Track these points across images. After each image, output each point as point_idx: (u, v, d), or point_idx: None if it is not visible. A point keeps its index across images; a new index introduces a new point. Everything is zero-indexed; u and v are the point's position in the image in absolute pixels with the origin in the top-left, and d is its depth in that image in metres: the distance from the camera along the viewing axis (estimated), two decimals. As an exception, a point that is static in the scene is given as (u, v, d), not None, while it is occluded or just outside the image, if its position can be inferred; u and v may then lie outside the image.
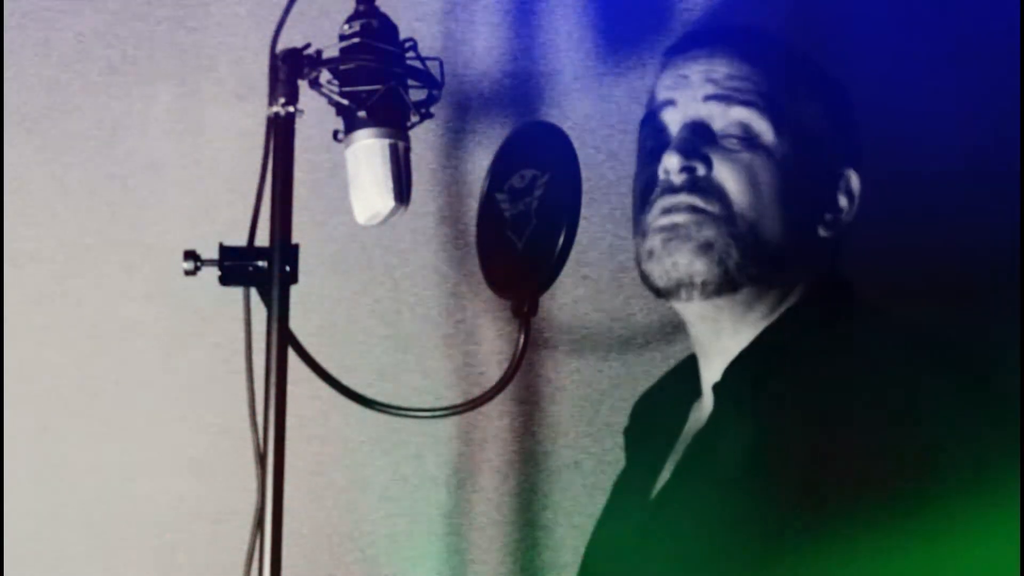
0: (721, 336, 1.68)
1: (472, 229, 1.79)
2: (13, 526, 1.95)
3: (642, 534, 1.64)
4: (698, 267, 1.62)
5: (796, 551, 1.48)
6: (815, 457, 1.49)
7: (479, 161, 1.99)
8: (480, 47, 2.02)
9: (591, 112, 2.00)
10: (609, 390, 2.00)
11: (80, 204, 1.99)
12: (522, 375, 1.99)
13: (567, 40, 2.03)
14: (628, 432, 1.87)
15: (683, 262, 1.62)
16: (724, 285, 1.62)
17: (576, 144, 1.65)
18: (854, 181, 1.69)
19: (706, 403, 1.69)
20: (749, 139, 1.64)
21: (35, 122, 1.99)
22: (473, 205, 1.83)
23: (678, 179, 1.64)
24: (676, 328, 1.84)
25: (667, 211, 1.64)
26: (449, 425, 2.00)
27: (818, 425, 1.51)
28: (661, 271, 1.64)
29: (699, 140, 1.64)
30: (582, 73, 2.02)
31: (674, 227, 1.63)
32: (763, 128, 1.64)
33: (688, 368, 1.76)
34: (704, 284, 1.62)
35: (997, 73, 2.01)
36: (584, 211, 1.65)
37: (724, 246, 1.61)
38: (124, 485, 1.97)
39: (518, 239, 1.66)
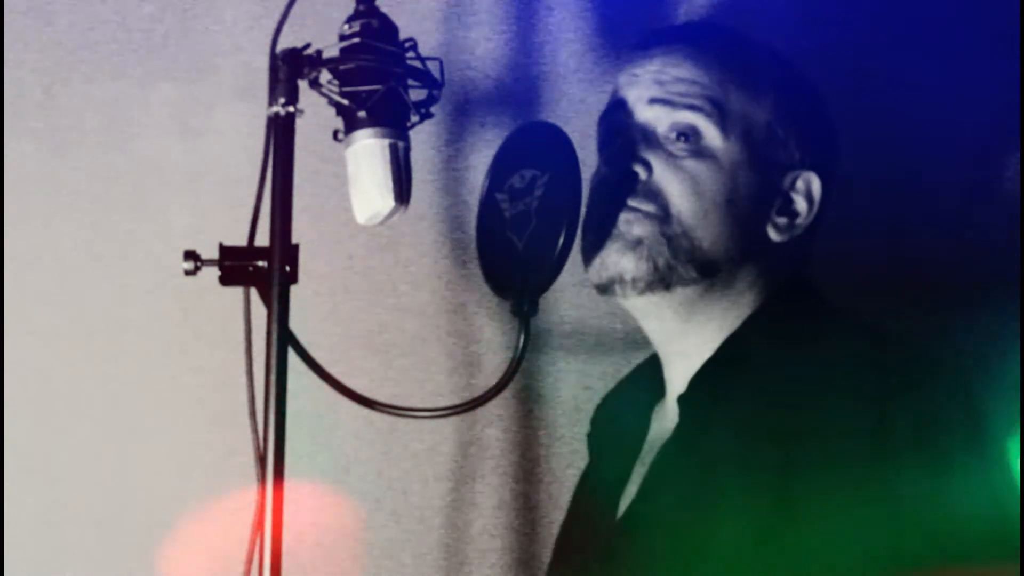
0: (672, 338, 1.69)
1: (472, 229, 1.79)
2: (13, 526, 1.95)
3: (611, 554, 1.63)
4: (626, 264, 1.64)
5: (769, 563, 1.48)
6: (785, 471, 1.49)
7: (479, 161, 1.99)
8: (480, 47, 2.02)
9: (591, 112, 2.00)
10: (608, 390, 2.00)
11: (80, 204, 1.99)
12: (522, 375, 1.99)
13: (567, 40, 2.03)
14: (591, 437, 1.86)
15: (611, 260, 1.65)
16: (655, 282, 1.63)
17: (576, 144, 1.65)
18: (815, 185, 1.67)
19: (670, 411, 1.68)
20: (696, 140, 1.64)
21: (35, 122, 1.99)
22: (473, 205, 1.83)
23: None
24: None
25: (601, 223, 1.66)
26: (449, 425, 2.00)
27: (788, 437, 1.50)
28: (594, 270, 1.67)
29: (640, 144, 1.66)
30: (582, 73, 2.02)
31: (603, 226, 1.65)
32: (710, 132, 1.64)
33: (648, 369, 1.76)
34: (634, 280, 1.64)
35: (991, 73, 2.00)
36: (584, 211, 1.65)
37: (655, 244, 1.63)
38: (124, 485, 1.97)
39: (518, 239, 1.65)
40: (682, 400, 1.65)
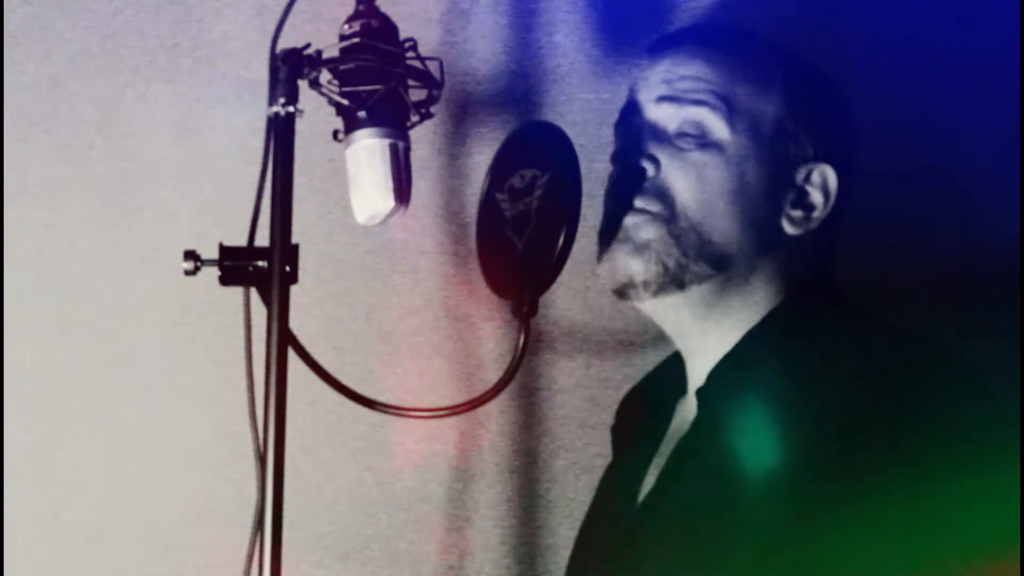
0: (690, 336, 1.69)
1: (472, 229, 1.79)
2: (13, 526, 1.96)
3: (628, 542, 1.64)
4: (635, 268, 1.64)
5: (785, 559, 1.48)
6: (800, 466, 1.49)
7: (479, 161, 2.00)
8: (480, 47, 2.02)
9: (591, 112, 2.00)
10: (608, 390, 2.00)
11: (80, 204, 1.99)
12: (522, 375, 1.99)
13: (567, 40, 2.03)
14: (614, 430, 1.87)
15: (620, 263, 1.65)
16: (668, 284, 1.64)
17: (576, 144, 1.65)
18: (831, 178, 1.67)
19: (690, 404, 1.68)
20: (703, 136, 1.65)
21: (35, 122, 2.00)
22: (473, 205, 1.83)
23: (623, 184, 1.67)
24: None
25: (612, 222, 1.66)
26: (449, 425, 2.00)
27: (804, 431, 1.51)
28: (606, 274, 1.67)
29: (650, 141, 1.66)
30: (582, 73, 2.02)
31: (613, 230, 1.65)
32: (716, 125, 1.65)
33: (673, 365, 1.77)
34: (645, 284, 1.64)
35: (996, 71, 2.01)
36: (584, 211, 1.65)
37: (663, 245, 1.63)
38: (124, 485, 1.97)
39: (518, 239, 1.66)
40: (700, 393, 1.65)
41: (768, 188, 1.65)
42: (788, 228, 1.66)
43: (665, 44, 1.73)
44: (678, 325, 1.69)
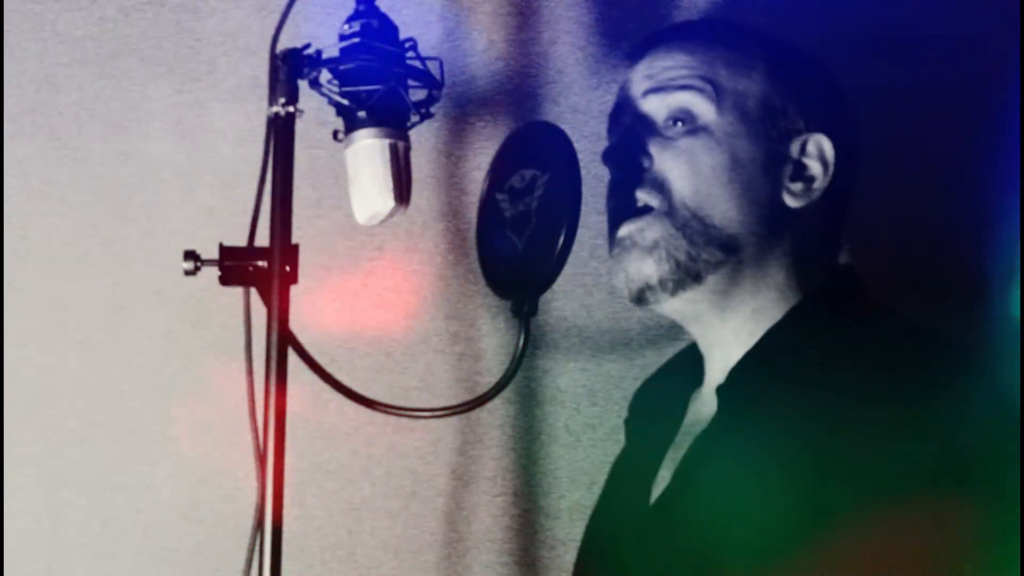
0: (711, 328, 1.69)
1: (472, 229, 1.79)
2: (13, 526, 1.95)
3: (641, 539, 1.63)
4: (647, 270, 1.64)
5: (804, 562, 1.48)
6: (822, 466, 1.49)
7: (479, 161, 1.99)
8: (480, 47, 2.02)
9: (590, 111, 2.00)
10: (609, 390, 2.00)
11: (80, 204, 1.99)
12: (522, 375, 1.99)
13: (567, 39, 2.03)
14: (628, 422, 1.87)
15: (633, 269, 1.65)
16: (683, 278, 1.64)
17: (576, 143, 1.65)
18: (826, 147, 1.67)
19: (708, 399, 1.68)
20: (691, 122, 1.66)
21: (35, 122, 1.99)
22: (473, 205, 1.83)
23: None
24: (676, 327, 1.84)
25: (615, 222, 1.67)
26: (449, 425, 2.00)
27: (826, 433, 1.50)
28: (622, 284, 1.67)
29: (640, 135, 1.67)
30: (582, 73, 2.02)
31: (621, 240, 1.66)
32: (703, 108, 1.65)
33: (688, 357, 1.77)
34: (662, 283, 1.64)
35: (998, 70, 2.01)
36: (584, 210, 1.65)
37: (670, 241, 1.63)
38: (124, 485, 1.97)
39: (518, 239, 1.66)
40: (721, 391, 1.65)
41: (764, 164, 1.66)
42: (790, 201, 1.67)
43: (644, 44, 1.74)
44: (699, 319, 1.69)
